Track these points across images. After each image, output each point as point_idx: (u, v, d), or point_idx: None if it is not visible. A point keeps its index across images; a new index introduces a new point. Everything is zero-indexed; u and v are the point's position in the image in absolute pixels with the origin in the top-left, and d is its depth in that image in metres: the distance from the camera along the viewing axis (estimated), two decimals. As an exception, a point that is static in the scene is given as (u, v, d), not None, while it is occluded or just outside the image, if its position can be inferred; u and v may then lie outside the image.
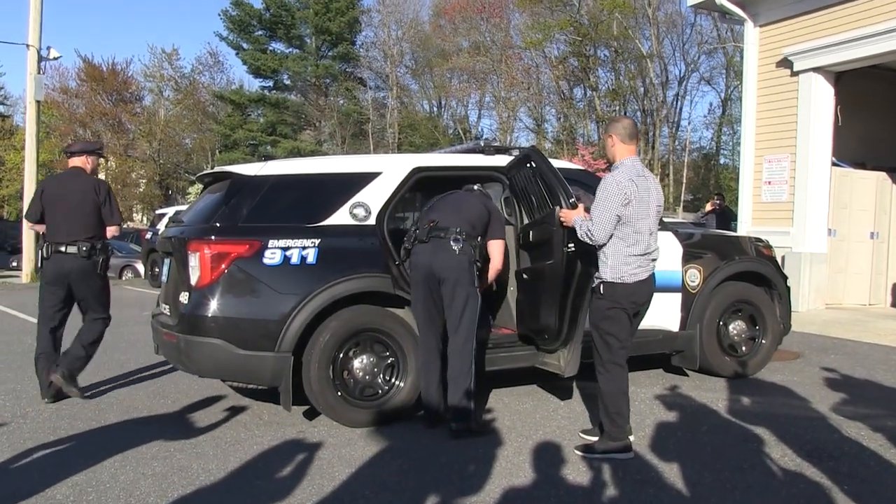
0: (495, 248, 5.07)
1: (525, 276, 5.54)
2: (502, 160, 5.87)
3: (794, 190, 11.48)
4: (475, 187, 5.35)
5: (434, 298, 4.91)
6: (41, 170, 20.70)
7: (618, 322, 4.39)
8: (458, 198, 5.17)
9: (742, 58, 13.12)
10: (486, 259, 5.06)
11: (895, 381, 6.49)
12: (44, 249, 5.88)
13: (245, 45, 41.74)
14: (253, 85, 44.64)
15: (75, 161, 6.07)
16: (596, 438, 4.61)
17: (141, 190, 41.26)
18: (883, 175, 12.43)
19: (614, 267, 4.35)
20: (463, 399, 4.77)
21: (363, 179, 5.40)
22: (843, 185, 11.96)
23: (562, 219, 4.74)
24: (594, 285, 4.53)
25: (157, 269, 17.46)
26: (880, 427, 4.96)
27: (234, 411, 5.50)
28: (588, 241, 4.42)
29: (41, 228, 6.07)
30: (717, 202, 14.85)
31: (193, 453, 4.48)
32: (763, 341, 6.57)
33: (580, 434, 4.84)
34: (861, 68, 11.29)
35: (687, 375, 6.50)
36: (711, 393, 5.94)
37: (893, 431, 4.86)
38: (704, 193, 33.17)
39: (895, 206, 12.55)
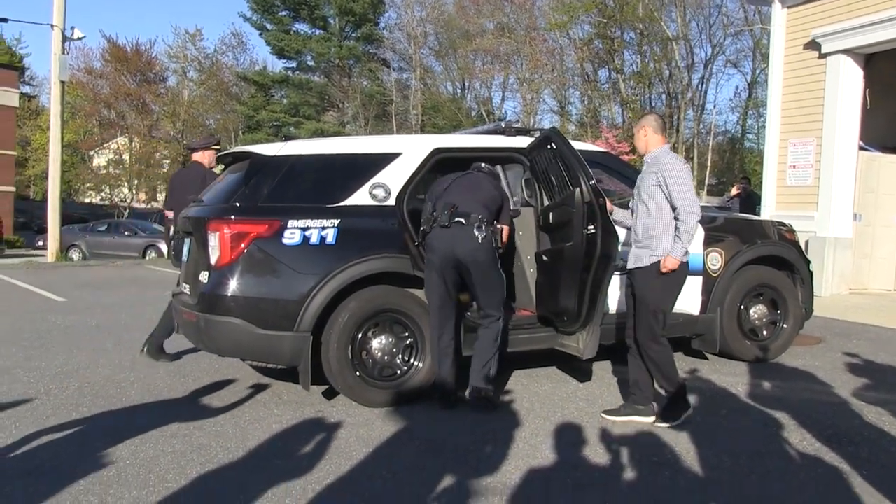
0: (504, 230, 5.16)
1: (545, 257, 5.53)
2: (523, 141, 5.85)
3: (820, 174, 11.35)
4: (483, 166, 5.35)
5: (448, 282, 4.95)
6: (66, 150, 20.87)
7: (674, 297, 4.73)
8: (473, 180, 5.16)
9: (769, 40, 12.94)
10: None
11: (919, 367, 6.42)
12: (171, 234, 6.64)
13: (269, 26, 41.76)
14: (276, 66, 44.79)
15: (196, 156, 6.98)
16: (638, 418, 4.73)
17: (165, 170, 41.43)
18: (911, 159, 12.25)
19: (670, 242, 4.56)
20: (487, 372, 4.97)
21: (383, 160, 5.40)
22: (870, 170, 11.81)
23: (665, 269, 4.56)
24: (650, 264, 4.59)
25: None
26: (902, 413, 4.91)
27: (254, 390, 5.54)
28: (695, 226, 4.58)
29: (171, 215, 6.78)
30: (743, 185, 14.71)
31: (212, 432, 4.52)
32: (784, 326, 6.52)
33: (602, 415, 4.85)
34: (891, 50, 11.10)
35: (707, 359, 6.47)
36: (731, 377, 5.91)
37: (915, 418, 4.82)
38: (729, 177, 32.90)
39: (923, 190, 12.38)
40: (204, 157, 6.94)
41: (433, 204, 5.08)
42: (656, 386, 4.82)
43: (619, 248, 4.94)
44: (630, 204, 5.07)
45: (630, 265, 4.77)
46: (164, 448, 4.21)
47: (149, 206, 40.10)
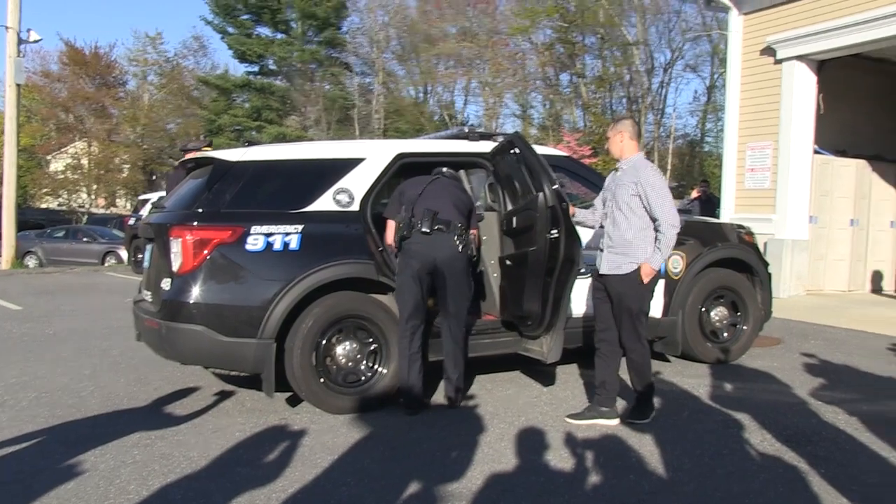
0: (475, 235, 5.33)
1: (508, 262, 5.56)
2: (486, 146, 5.87)
3: (777, 177, 11.55)
4: (446, 171, 5.39)
5: (423, 288, 4.99)
6: (22, 154, 20.50)
7: (651, 298, 4.88)
8: (446, 186, 5.21)
9: (726, 45, 13.15)
10: None
11: (871, 366, 6.56)
12: None
13: (230, 30, 41.29)
14: (238, 70, 44.24)
15: (190, 157, 6.79)
16: (602, 421, 4.82)
17: (124, 175, 40.82)
18: (863, 163, 12.54)
19: (649, 251, 4.70)
20: (458, 375, 5.13)
21: (347, 165, 5.39)
22: (824, 173, 12.05)
23: (645, 277, 4.71)
24: (630, 272, 4.68)
25: (140, 255, 17.36)
26: (856, 411, 5.02)
27: (217, 398, 5.49)
28: (675, 238, 4.72)
29: None
30: (703, 189, 14.90)
31: (175, 441, 4.47)
32: (744, 327, 6.62)
33: (566, 419, 4.89)
34: (843, 57, 11.35)
35: (669, 361, 6.54)
36: (693, 379, 5.98)
37: (868, 415, 4.93)
38: (689, 180, 33.27)
39: (874, 193, 12.69)
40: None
41: (411, 209, 5.05)
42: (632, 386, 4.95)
43: (583, 252, 5.00)
44: (597, 204, 5.12)
45: (605, 270, 4.81)
46: (125, 458, 4.16)
47: (108, 211, 39.35)
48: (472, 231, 5.24)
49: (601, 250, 4.92)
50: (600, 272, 4.87)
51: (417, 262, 4.94)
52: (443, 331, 5.13)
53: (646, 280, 4.69)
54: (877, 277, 12.78)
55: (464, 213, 5.14)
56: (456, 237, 4.97)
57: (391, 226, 5.16)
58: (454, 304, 5.07)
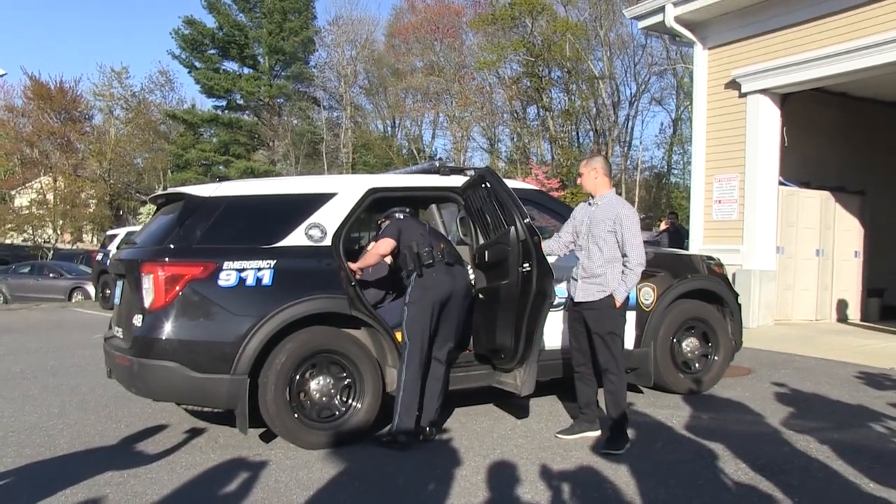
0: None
1: (481, 295, 5.57)
2: (457, 181, 5.91)
3: (744, 209, 11.73)
4: (407, 211, 5.59)
5: (436, 319, 5.13)
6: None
7: (624, 322, 5.15)
8: (431, 226, 5.58)
9: (692, 79, 13.39)
10: None
11: (840, 394, 6.64)
12: None
13: (197, 64, 41.35)
14: (206, 104, 44.26)
15: None
16: (588, 434, 5.17)
17: (91, 210, 40.41)
18: (826, 194, 12.79)
19: (616, 279, 4.99)
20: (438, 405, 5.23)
21: (318, 200, 5.39)
22: (790, 204, 12.26)
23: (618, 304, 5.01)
24: (602, 298, 4.95)
25: (108, 291, 17.18)
26: (827, 440, 5.08)
27: (189, 435, 5.42)
28: (640, 275, 5.05)
29: None
30: (671, 220, 15.07)
31: (148, 479, 4.40)
32: (716, 358, 6.68)
33: (556, 435, 5.21)
34: (805, 91, 11.62)
35: (642, 392, 6.57)
36: (666, 409, 6.01)
37: (839, 443, 4.99)
38: (656, 212, 33.62)
39: (838, 224, 12.93)
40: None
41: (427, 242, 5.20)
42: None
43: (555, 285, 5.05)
44: (566, 236, 5.33)
45: (580, 298, 5.08)
46: (97, 497, 4.08)
47: (74, 247, 38.90)
48: None
49: (574, 280, 5.15)
50: (575, 300, 5.12)
51: (438, 294, 5.13)
52: (445, 361, 5.26)
53: (618, 305, 4.98)
54: (842, 306, 12.98)
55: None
56: (469, 269, 5.28)
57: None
58: (456, 335, 5.34)
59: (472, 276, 5.36)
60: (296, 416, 4.95)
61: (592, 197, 5.19)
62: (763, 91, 11.48)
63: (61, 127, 39.79)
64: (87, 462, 4.75)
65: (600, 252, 5.00)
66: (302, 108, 42.42)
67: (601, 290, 4.98)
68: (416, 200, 5.50)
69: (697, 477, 4.36)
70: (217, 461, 4.75)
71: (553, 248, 5.33)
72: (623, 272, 4.98)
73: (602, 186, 5.14)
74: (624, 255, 4.97)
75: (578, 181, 5.32)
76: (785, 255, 12.19)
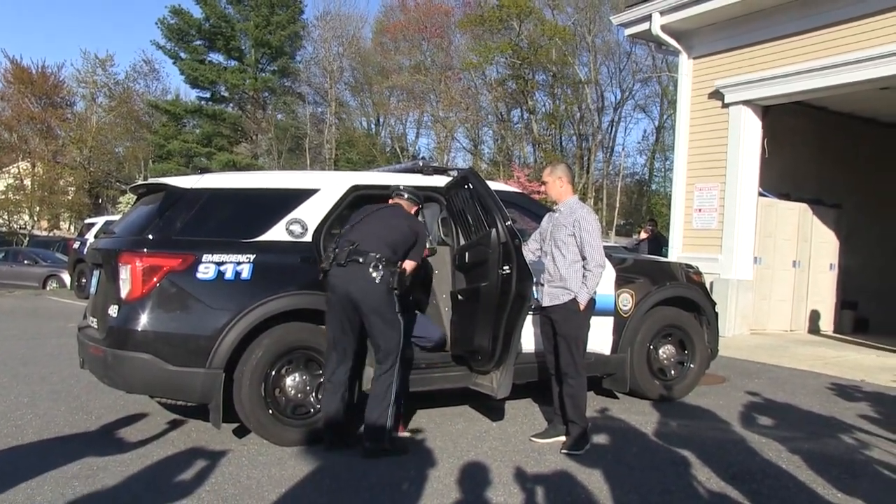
0: (407, 266, 4.98)
1: (460, 296, 5.58)
2: (440, 181, 5.91)
3: (724, 218, 11.80)
4: (404, 191, 5.32)
5: (345, 322, 4.82)
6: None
7: (588, 327, 5.19)
8: (383, 217, 5.05)
9: (676, 88, 13.47)
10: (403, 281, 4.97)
11: (812, 405, 6.70)
12: None
13: (183, 55, 41.04)
14: (189, 95, 43.96)
15: None
16: (563, 438, 5.16)
17: (69, 198, 40.03)
18: (804, 206, 12.91)
19: (578, 281, 5.07)
20: (378, 420, 4.75)
21: (301, 196, 5.37)
22: (768, 215, 12.36)
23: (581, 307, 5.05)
24: (567, 301, 5.01)
25: (83, 280, 17.04)
26: (798, 449, 5.13)
27: (162, 429, 5.38)
28: (600, 277, 5.11)
29: None
30: (651, 227, 15.15)
31: (118, 472, 4.36)
32: (691, 365, 6.73)
33: (531, 439, 5.25)
34: (786, 104, 11.71)
35: (617, 398, 6.60)
36: (641, 416, 6.04)
37: (810, 453, 5.04)
38: (636, 218, 33.86)
39: (815, 236, 13.06)
40: None
41: (337, 241, 5.00)
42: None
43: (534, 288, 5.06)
44: (533, 245, 5.43)
45: (546, 303, 5.16)
46: (65, 491, 4.04)
47: (51, 234, 38.48)
48: (405, 265, 4.95)
49: (541, 285, 5.23)
50: (543, 305, 5.21)
51: (335, 296, 4.81)
52: (374, 370, 4.94)
53: (582, 307, 5.03)
54: (815, 317, 13.11)
55: (396, 245, 4.90)
56: (371, 268, 4.73)
57: None
58: (375, 342, 4.83)
59: (377, 275, 4.72)
60: (270, 412, 4.93)
61: (555, 204, 5.31)
62: (746, 102, 11.57)
63: (41, 112, 39.43)
64: (56, 454, 4.69)
65: (563, 256, 5.10)
66: (286, 102, 42.26)
67: (566, 293, 5.07)
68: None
69: (670, 484, 4.38)
70: (189, 456, 4.72)
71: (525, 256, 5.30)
72: (584, 275, 5.05)
73: (566, 193, 5.27)
74: (584, 258, 5.05)
75: (542, 189, 5.40)
76: (762, 265, 12.29)
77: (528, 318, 5.29)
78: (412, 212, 5.29)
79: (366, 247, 4.81)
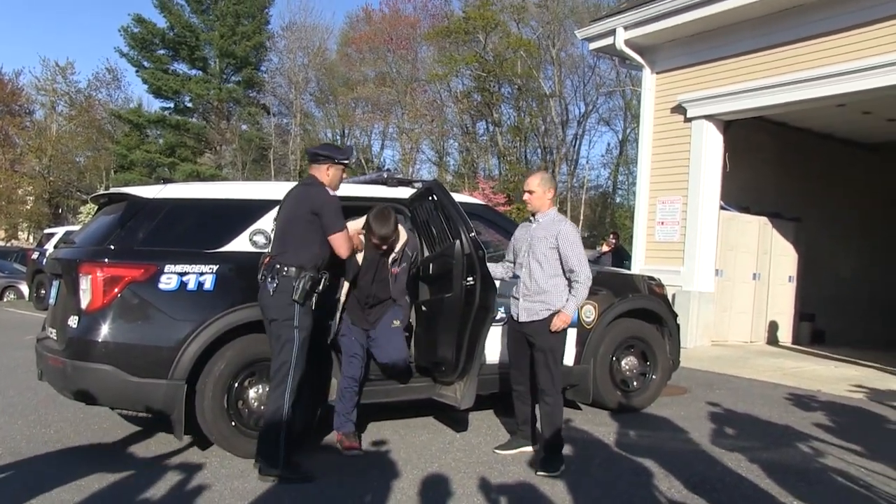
0: (334, 244, 4.59)
1: (424, 308, 5.58)
2: (405, 192, 5.92)
3: (686, 231, 11.94)
4: (317, 158, 4.78)
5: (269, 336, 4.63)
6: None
7: (564, 345, 5.19)
8: (285, 212, 4.72)
9: (639, 102, 13.63)
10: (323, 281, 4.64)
11: (771, 414, 6.80)
12: None
13: (146, 64, 40.64)
14: (153, 105, 43.50)
15: None
16: (527, 449, 5.21)
17: (28, 207, 39.43)
18: (764, 220, 13.14)
19: (563, 297, 4.95)
20: (270, 445, 4.46)
21: (264, 206, 5.34)
22: (730, 228, 12.55)
23: (561, 324, 4.93)
24: (547, 316, 4.91)
25: (43, 291, 16.75)
26: (757, 458, 5.21)
27: (123, 441, 5.31)
28: (587, 290, 5.02)
29: None
30: (613, 241, 15.29)
31: (75, 487, 4.29)
32: (654, 377, 6.79)
33: (494, 450, 5.24)
34: (747, 119, 11.92)
35: (580, 409, 6.64)
36: (603, 427, 6.08)
37: (768, 462, 5.12)
38: (600, 230, 34.10)
39: (774, 249, 13.29)
40: None
41: None
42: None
43: (497, 299, 5.08)
44: (510, 256, 5.31)
45: (524, 318, 5.01)
46: (22, 504, 3.97)
47: (8, 244, 37.79)
48: (329, 238, 4.56)
49: (516, 298, 5.10)
50: (519, 320, 5.05)
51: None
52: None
53: (560, 327, 4.92)
54: (774, 329, 13.32)
55: (297, 238, 4.55)
56: (269, 281, 4.49)
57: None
58: (273, 356, 4.53)
59: (272, 286, 4.44)
60: (233, 423, 4.89)
61: (534, 215, 5.18)
62: (708, 117, 11.74)
63: (-1, 120, 38.81)
64: (10, 470, 4.61)
65: (541, 269, 4.97)
66: (251, 113, 42.01)
67: (545, 308, 4.93)
68: (363, 211, 5.47)
69: (633, 495, 4.42)
70: (150, 468, 4.67)
71: (498, 273, 5.22)
72: (572, 287, 4.94)
73: (547, 205, 5.15)
74: (571, 271, 4.93)
75: (526, 198, 5.22)
76: (723, 277, 12.46)
77: (492, 330, 5.31)
78: (326, 176, 4.76)
79: (273, 252, 4.65)
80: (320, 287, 4.58)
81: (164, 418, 4.89)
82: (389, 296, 5.23)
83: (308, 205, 4.56)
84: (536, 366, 5.00)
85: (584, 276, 4.93)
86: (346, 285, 5.16)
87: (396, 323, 5.23)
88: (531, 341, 5.01)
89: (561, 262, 4.97)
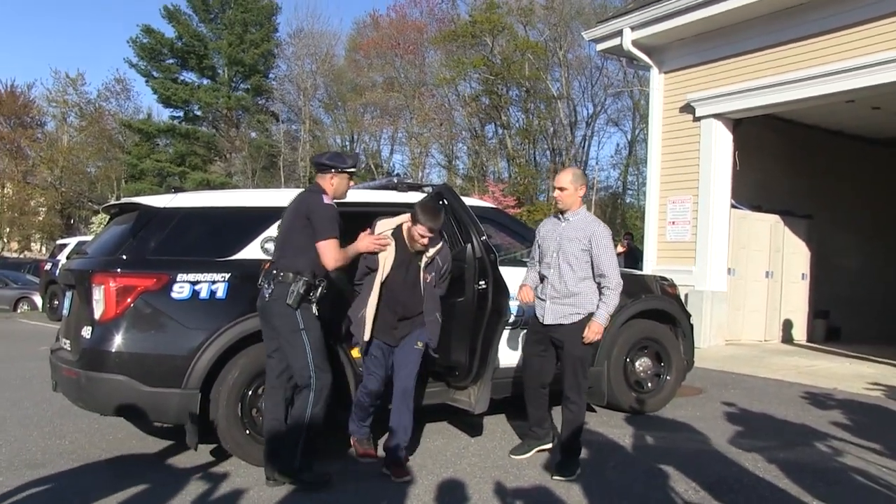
0: (321, 251, 4.46)
1: (436, 313, 5.56)
2: (415, 197, 5.91)
3: (697, 230, 11.90)
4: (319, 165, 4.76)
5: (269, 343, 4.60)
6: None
7: (595, 350, 5.17)
8: (285, 219, 4.70)
9: (648, 102, 13.61)
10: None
11: (787, 414, 6.76)
12: None
13: (155, 74, 40.87)
14: (163, 114, 43.73)
15: None
16: (545, 446, 5.19)
17: (40, 218, 39.62)
18: (776, 218, 13.08)
19: (595, 302, 4.84)
20: (288, 449, 4.43)
21: (275, 214, 5.32)
22: (741, 227, 12.50)
23: (594, 336, 4.82)
24: (577, 321, 4.79)
25: (56, 302, 16.83)
26: (775, 458, 5.17)
27: (137, 451, 5.32)
28: (618, 297, 4.86)
29: None
30: (627, 241, 15.27)
31: (92, 498, 4.29)
32: (668, 377, 6.76)
33: (510, 455, 5.16)
34: (757, 117, 11.87)
35: (595, 411, 6.61)
36: (618, 429, 6.06)
37: (786, 462, 5.09)
38: (612, 231, 33.98)
39: (787, 247, 13.23)
40: None
41: None
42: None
43: (510, 303, 5.06)
44: (535, 255, 5.18)
45: (550, 321, 4.89)
46: (39, 515, 3.98)
47: (21, 255, 37.99)
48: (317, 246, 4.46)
49: (542, 299, 5.00)
50: (545, 322, 4.93)
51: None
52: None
53: (593, 339, 4.82)
54: (787, 327, 13.25)
55: (293, 245, 4.50)
56: (266, 288, 4.48)
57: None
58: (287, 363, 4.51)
59: (267, 291, 4.44)
60: (248, 432, 4.89)
61: (562, 213, 5.00)
62: (717, 116, 11.70)
63: (11, 132, 39.07)
64: (27, 480, 4.61)
65: (572, 271, 4.82)
66: (260, 120, 42.15)
67: (575, 312, 4.80)
68: (374, 216, 5.46)
69: (648, 497, 4.40)
70: (166, 478, 4.67)
71: (531, 279, 5.15)
72: (603, 293, 4.79)
73: (578, 203, 4.97)
74: (601, 276, 4.79)
75: (557, 195, 5.00)
76: (736, 276, 12.40)
77: (505, 333, 5.30)
78: (331, 185, 4.69)
79: (273, 259, 4.65)
80: (318, 292, 4.46)
81: (179, 428, 4.89)
82: (419, 308, 4.89)
83: (303, 211, 4.52)
84: (564, 370, 4.89)
85: (616, 282, 4.78)
86: (374, 297, 4.82)
87: (420, 345, 4.91)
88: (558, 345, 4.89)
89: (592, 265, 4.84)
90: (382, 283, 4.82)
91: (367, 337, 4.79)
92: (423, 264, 4.86)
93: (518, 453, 5.18)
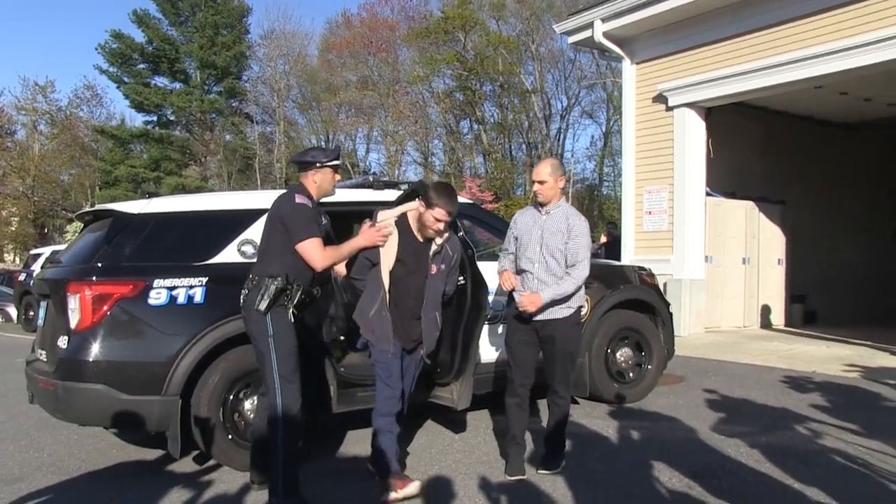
0: (303, 253, 4.20)
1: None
2: (391, 195, 5.89)
3: (674, 219, 11.98)
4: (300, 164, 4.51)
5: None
6: None
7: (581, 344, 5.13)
8: (265, 223, 4.44)
9: (621, 93, 13.67)
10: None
11: (767, 398, 6.82)
12: None
13: (126, 79, 40.42)
14: (136, 120, 43.33)
15: None
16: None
17: (13, 228, 39.17)
18: (751, 204, 13.20)
19: (582, 295, 4.80)
20: (274, 463, 4.10)
21: (251, 216, 5.30)
22: (716, 215, 12.59)
23: (528, 304, 4.53)
24: (569, 315, 4.66)
25: (31, 313, 16.64)
26: (756, 443, 5.22)
27: (118, 461, 5.27)
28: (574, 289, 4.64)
29: None
30: (610, 231, 15.32)
31: (75, 506, 4.27)
32: (649, 367, 6.80)
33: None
34: (728, 104, 11.97)
35: (577, 403, 6.62)
36: (601, 420, 6.08)
37: (767, 446, 5.14)
38: (589, 223, 34.10)
39: (762, 233, 13.36)
40: None
41: None
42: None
43: (490, 298, 5.05)
44: (510, 247, 4.98)
45: (540, 315, 4.65)
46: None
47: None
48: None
49: (499, 296, 4.95)
50: (535, 318, 4.69)
51: None
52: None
53: (527, 306, 4.55)
54: (766, 312, 13.38)
55: (270, 249, 4.28)
56: (242, 294, 4.29)
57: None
58: (262, 373, 4.24)
59: (241, 300, 4.26)
60: (230, 437, 4.86)
61: (542, 205, 4.79)
62: (689, 105, 11.78)
63: (-21, 142, 38.54)
64: (4, 495, 4.55)
65: (558, 265, 4.65)
66: (234, 123, 41.88)
67: (566, 306, 4.66)
68: (350, 215, 5.44)
69: (633, 486, 4.42)
70: (147, 486, 4.63)
71: (505, 266, 4.95)
72: (563, 278, 4.59)
73: (559, 195, 4.79)
74: (572, 265, 4.61)
75: (536, 189, 4.78)
76: (713, 263, 12.50)
77: (485, 329, 5.29)
78: (314, 182, 4.42)
79: (253, 273, 4.34)
80: (294, 296, 4.16)
81: (161, 436, 4.85)
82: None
83: (276, 214, 4.27)
84: (552, 364, 4.71)
85: (581, 275, 4.58)
86: (383, 295, 4.50)
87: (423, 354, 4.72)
88: (547, 339, 4.71)
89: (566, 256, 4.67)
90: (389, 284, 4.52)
91: (391, 347, 4.45)
92: (431, 253, 4.55)
93: (516, 474, 4.67)
